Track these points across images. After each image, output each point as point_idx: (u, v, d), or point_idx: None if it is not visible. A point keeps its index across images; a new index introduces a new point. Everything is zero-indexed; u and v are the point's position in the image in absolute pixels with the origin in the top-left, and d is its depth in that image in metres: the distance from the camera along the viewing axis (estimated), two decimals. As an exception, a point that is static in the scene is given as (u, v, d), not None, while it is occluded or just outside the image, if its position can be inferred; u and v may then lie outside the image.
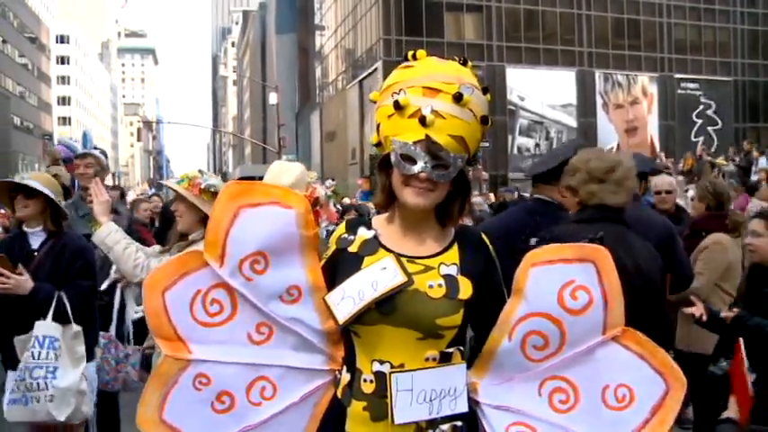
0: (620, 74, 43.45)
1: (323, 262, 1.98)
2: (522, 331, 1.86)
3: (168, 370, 1.91)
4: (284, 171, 3.62)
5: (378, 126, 1.93)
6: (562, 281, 1.83)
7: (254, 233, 1.87)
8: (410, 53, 1.94)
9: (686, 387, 1.84)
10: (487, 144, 37.38)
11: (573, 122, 42.26)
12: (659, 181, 5.85)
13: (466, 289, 1.89)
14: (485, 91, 1.92)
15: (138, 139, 68.95)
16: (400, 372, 1.86)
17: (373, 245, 1.96)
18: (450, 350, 1.90)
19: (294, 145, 59.25)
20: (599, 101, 42.86)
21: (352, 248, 1.96)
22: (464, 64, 1.92)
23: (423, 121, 1.79)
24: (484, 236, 2.05)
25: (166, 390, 1.90)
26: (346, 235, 2.00)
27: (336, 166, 48.61)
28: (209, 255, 1.89)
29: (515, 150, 40.84)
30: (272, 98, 47.64)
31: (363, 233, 1.98)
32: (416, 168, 1.82)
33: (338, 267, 1.95)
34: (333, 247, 2.00)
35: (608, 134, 41.15)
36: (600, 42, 43.31)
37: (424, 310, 1.86)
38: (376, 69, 40.04)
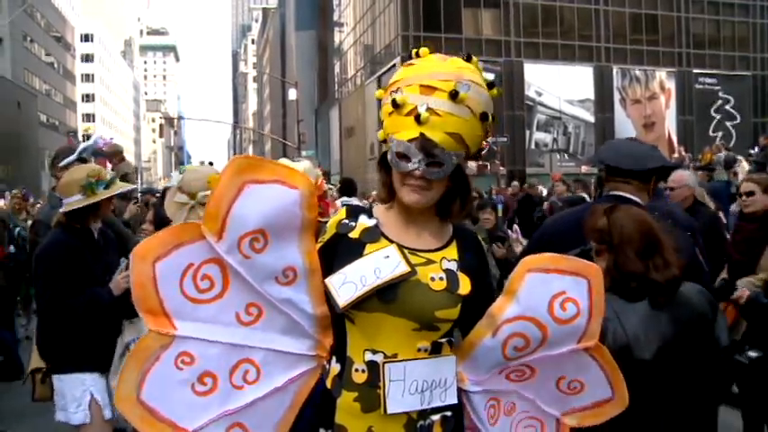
0: (638, 69, 43.20)
1: (319, 245, 1.95)
2: (508, 332, 1.88)
3: (150, 345, 1.83)
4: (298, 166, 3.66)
5: (382, 123, 1.95)
6: (554, 290, 1.86)
7: (258, 210, 1.81)
8: (414, 51, 1.94)
9: (626, 408, 2.00)
10: (506, 139, 37.40)
11: (590, 118, 42.05)
12: (678, 176, 5.80)
13: (465, 284, 1.90)
14: (490, 86, 1.90)
15: (161, 136, 69.06)
16: (393, 362, 1.85)
17: (375, 233, 1.94)
18: (442, 341, 1.91)
19: (313, 141, 59.47)
20: (617, 96, 42.67)
21: (353, 234, 1.94)
22: (468, 60, 1.91)
23: (418, 119, 1.79)
24: (479, 237, 2.10)
25: (147, 367, 1.82)
26: (347, 221, 1.97)
27: (355, 161, 48.71)
28: (208, 228, 1.81)
29: (533, 145, 40.76)
30: (292, 94, 47.76)
31: (364, 221, 1.96)
32: (411, 166, 1.83)
33: (337, 252, 1.93)
34: (331, 232, 1.97)
35: (625, 129, 40.88)
36: (617, 37, 43.08)
37: (426, 302, 1.86)
38: (394, 65, 40.04)
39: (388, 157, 1.88)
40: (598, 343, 1.93)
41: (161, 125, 62.61)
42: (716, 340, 2.49)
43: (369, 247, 1.91)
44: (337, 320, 1.93)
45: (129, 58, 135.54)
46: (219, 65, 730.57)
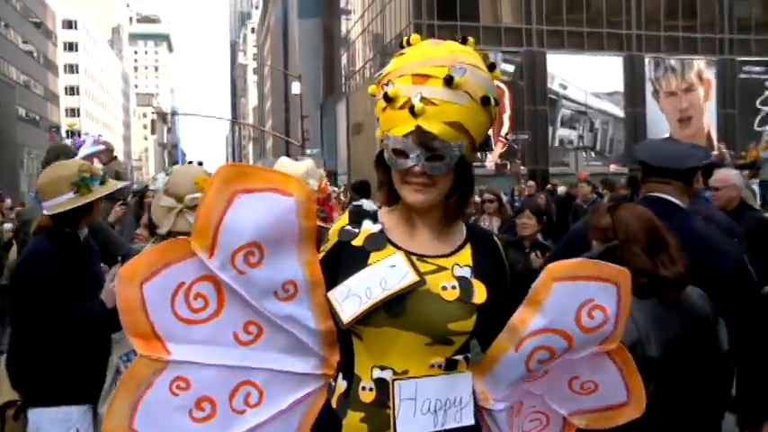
0: (674, 58, 42.84)
1: (321, 255, 1.94)
2: (533, 345, 1.88)
3: (142, 372, 1.82)
4: (291, 167, 3.55)
5: (378, 120, 1.95)
6: (582, 299, 1.87)
7: (251, 222, 1.81)
8: (405, 39, 1.95)
9: (641, 414, 2.07)
10: (527, 136, 37.37)
11: (620, 112, 41.87)
12: (720, 175, 5.65)
13: (480, 293, 1.88)
14: (491, 68, 1.90)
15: (152, 132, 68.78)
16: (403, 379, 1.84)
17: (380, 240, 1.93)
18: (457, 357, 1.89)
19: (318, 138, 59.47)
20: (649, 88, 42.44)
21: (357, 242, 1.93)
22: (464, 42, 1.92)
23: (412, 110, 1.78)
24: (496, 239, 2.08)
25: (138, 395, 1.81)
26: (349, 227, 1.97)
27: (364, 160, 48.66)
28: (198, 244, 1.81)
29: (556, 143, 40.69)
30: (295, 88, 47.83)
31: (369, 226, 1.95)
32: (409, 162, 1.82)
33: (340, 262, 1.92)
34: (333, 240, 1.97)
35: (659, 125, 40.67)
36: (650, 24, 42.73)
37: (437, 314, 1.84)
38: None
39: (385, 155, 1.88)
40: (620, 345, 1.97)
41: (153, 121, 62.45)
42: (718, 345, 2.62)
43: (374, 256, 1.90)
44: (344, 336, 1.92)
45: (117, 48, 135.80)
46: (216, 56, 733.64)
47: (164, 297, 1.81)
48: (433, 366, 1.86)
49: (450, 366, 1.88)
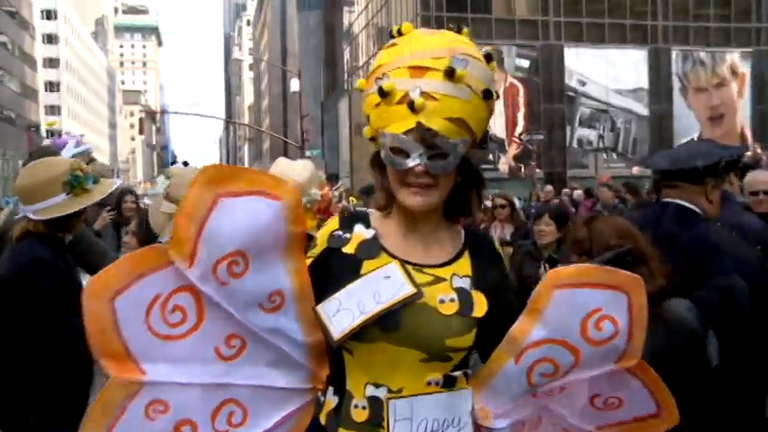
0: (703, 51, 42.74)
1: (308, 261, 1.93)
2: (533, 357, 1.87)
3: (113, 397, 1.78)
4: (291, 169, 3.55)
5: (368, 118, 1.93)
6: (588, 308, 1.85)
7: (235, 229, 1.78)
8: (395, 28, 1.93)
9: (676, 424, 2.04)
10: (542, 137, 37.35)
11: (644, 110, 41.86)
12: (755, 178, 5.52)
13: (480, 306, 1.87)
14: (488, 59, 1.88)
15: (140, 132, 69.08)
16: (398, 398, 1.84)
17: (374, 247, 1.92)
18: (456, 374, 1.89)
19: (319, 138, 59.58)
20: (676, 84, 42.40)
21: (348, 249, 1.92)
22: (459, 32, 1.90)
23: (411, 106, 1.77)
24: (497, 244, 2.09)
25: (111, 422, 1.77)
26: (340, 232, 1.96)
27: (367, 162, 48.73)
28: (176, 253, 1.78)
29: (575, 143, 40.69)
30: (294, 85, 47.96)
31: (361, 231, 1.94)
32: (410, 162, 1.81)
33: (329, 271, 1.90)
34: (322, 245, 1.95)
35: (687, 124, 40.70)
36: (678, 14, 42.73)
37: (434, 329, 1.83)
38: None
39: (382, 154, 1.87)
40: (641, 361, 1.95)
41: (141, 120, 62.75)
42: (706, 359, 2.66)
43: (366, 265, 1.89)
44: (334, 349, 1.91)
45: (101, 41, 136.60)
46: (209, 50, 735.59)
47: (137, 312, 1.78)
48: (430, 384, 1.86)
49: (449, 383, 1.89)
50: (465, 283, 1.90)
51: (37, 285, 3.21)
